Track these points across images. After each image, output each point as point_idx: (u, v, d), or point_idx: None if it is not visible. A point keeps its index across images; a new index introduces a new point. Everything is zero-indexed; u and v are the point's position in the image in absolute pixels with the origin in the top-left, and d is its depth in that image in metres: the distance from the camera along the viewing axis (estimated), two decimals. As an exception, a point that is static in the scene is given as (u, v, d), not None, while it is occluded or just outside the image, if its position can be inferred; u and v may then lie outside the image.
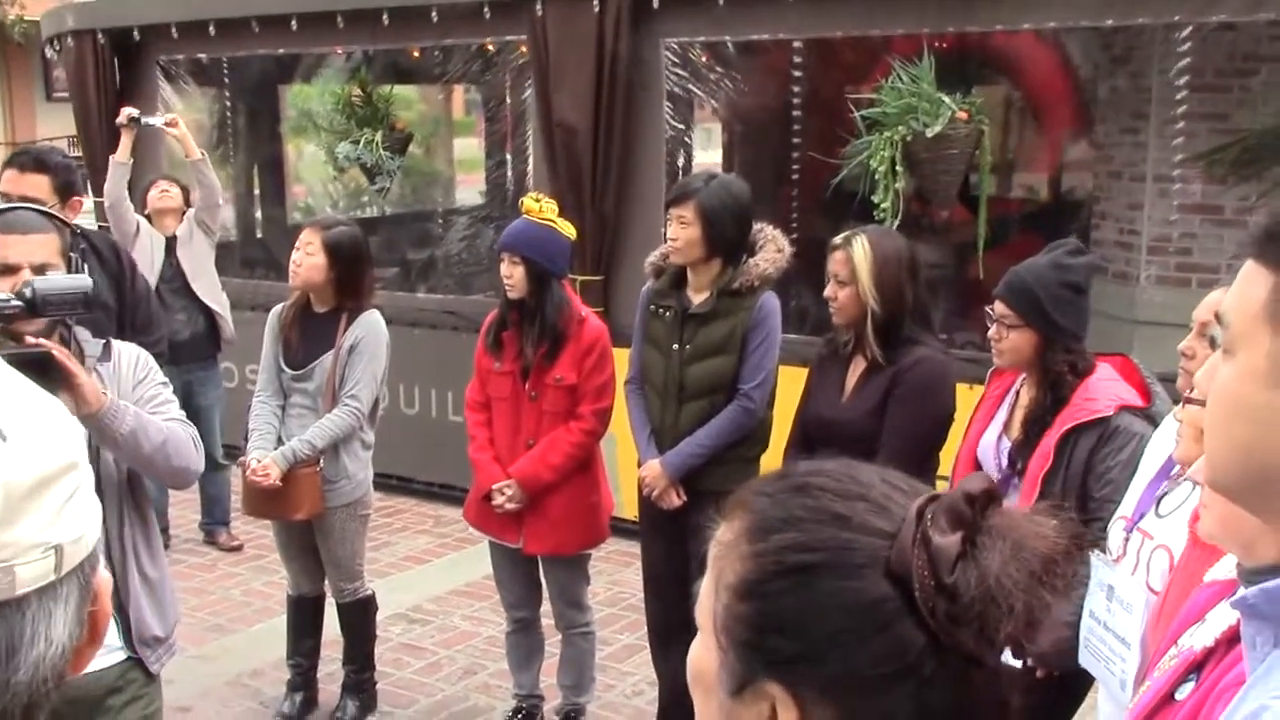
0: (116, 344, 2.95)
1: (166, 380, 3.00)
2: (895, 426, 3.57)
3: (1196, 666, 1.56)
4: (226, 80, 8.34)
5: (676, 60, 6.23)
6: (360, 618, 4.60)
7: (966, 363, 4.72)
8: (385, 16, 6.64)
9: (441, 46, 7.48)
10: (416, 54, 8.03)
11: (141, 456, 2.78)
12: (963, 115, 5.28)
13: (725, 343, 3.89)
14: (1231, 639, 1.52)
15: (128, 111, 5.79)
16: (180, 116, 6.21)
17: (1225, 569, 1.72)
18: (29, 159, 4.01)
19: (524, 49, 6.61)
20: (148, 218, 5.90)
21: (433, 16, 6.52)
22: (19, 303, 2.51)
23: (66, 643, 0.78)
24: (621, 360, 4.23)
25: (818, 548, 0.96)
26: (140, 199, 5.90)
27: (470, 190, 10.80)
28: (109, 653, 2.83)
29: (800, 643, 0.94)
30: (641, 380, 4.10)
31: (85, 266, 2.86)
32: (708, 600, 1.02)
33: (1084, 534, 1.02)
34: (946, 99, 5.28)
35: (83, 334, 2.90)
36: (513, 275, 4.05)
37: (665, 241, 4.11)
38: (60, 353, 2.56)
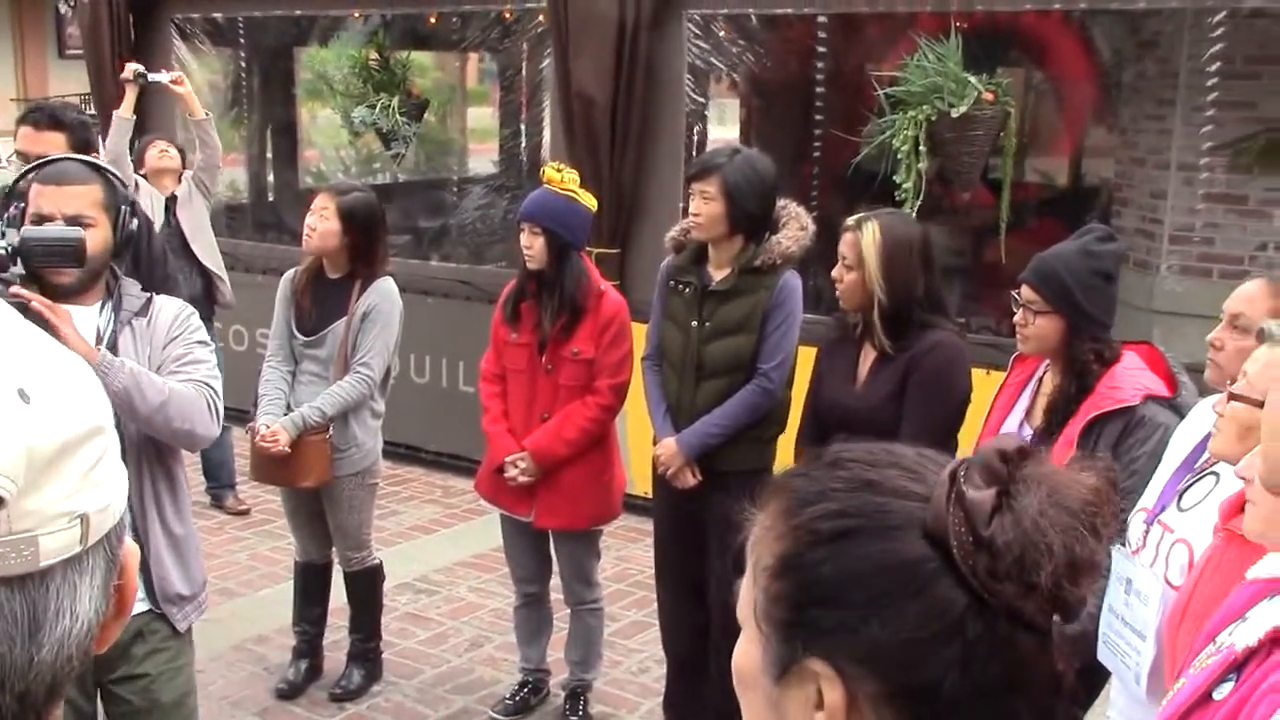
0: (160, 300, 2.91)
1: (207, 340, 2.96)
2: (915, 413, 3.50)
3: (1237, 666, 1.52)
4: (242, 40, 8.26)
5: (699, 33, 6.15)
6: (367, 586, 4.58)
7: (985, 348, 4.66)
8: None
9: (460, 12, 7.41)
10: (434, 20, 7.96)
11: (138, 415, 2.73)
12: (989, 96, 5.21)
13: (745, 321, 3.83)
14: (1277, 639, 1.48)
15: (133, 67, 5.74)
16: (193, 76, 6.13)
17: (1269, 567, 1.67)
18: (44, 116, 3.96)
19: (543, 17, 6.53)
20: (144, 177, 5.81)
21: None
22: (1, 251, 2.47)
23: (93, 618, 0.74)
24: (639, 335, 4.18)
25: (853, 513, 0.95)
26: (138, 158, 5.84)
27: (483, 159, 10.74)
28: None
29: (840, 611, 0.92)
30: (659, 357, 4.04)
31: (134, 221, 2.82)
32: (747, 592, 1.00)
33: (1119, 476, 1.00)
34: (973, 79, 5.20)
35: (130, 287, 2.87)
36: (533, 246, 4.00)
37: (684, 216, 4.06)
38: (40, 303, 2.52)
